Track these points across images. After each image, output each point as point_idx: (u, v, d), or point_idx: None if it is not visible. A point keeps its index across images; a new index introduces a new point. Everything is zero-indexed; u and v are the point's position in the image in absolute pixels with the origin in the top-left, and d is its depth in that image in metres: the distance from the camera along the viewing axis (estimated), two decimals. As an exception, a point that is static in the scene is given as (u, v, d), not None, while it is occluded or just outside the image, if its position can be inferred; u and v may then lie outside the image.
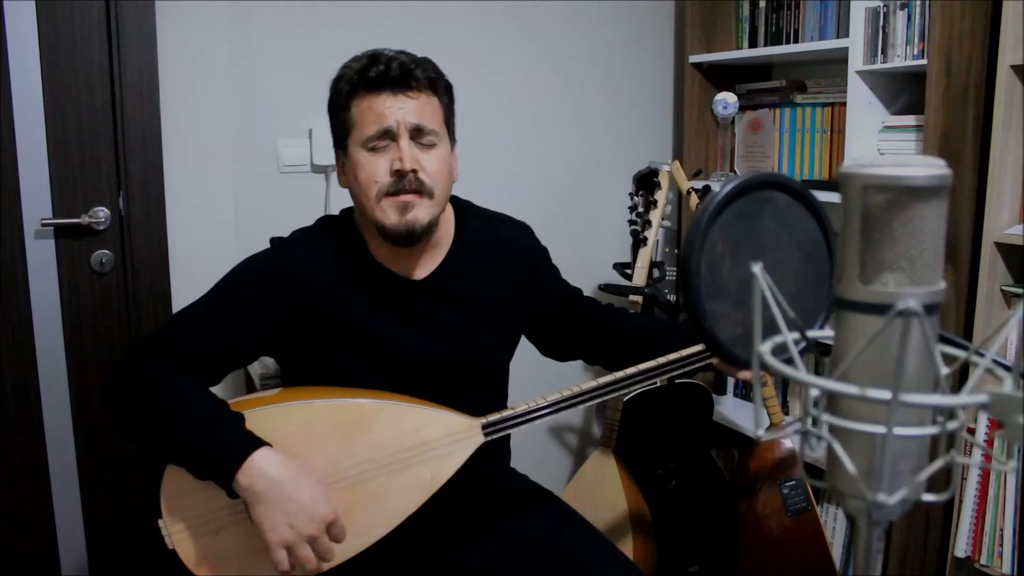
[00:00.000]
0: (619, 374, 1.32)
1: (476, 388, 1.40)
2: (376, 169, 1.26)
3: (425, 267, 1.37)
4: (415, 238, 1.29)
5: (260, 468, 1.14)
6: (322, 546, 1.16)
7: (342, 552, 1.23)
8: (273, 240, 1.37)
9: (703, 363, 1.35)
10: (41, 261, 1.87)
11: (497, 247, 1.45)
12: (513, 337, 1.50)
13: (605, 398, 1.32)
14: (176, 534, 1.23)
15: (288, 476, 1.15)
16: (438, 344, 1.37)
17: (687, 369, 1.34)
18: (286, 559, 1.15)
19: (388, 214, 1.27)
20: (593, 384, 1.31)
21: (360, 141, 1.27)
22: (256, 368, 1.98)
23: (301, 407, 1.26)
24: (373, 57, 1.29)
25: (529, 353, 1.59)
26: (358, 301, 1.33)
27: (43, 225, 1.86)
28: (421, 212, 1.27)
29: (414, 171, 1.26)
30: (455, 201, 1.44)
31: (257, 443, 1.16)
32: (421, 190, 1.27)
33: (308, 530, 1.15)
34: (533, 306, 1.48)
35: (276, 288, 1.30)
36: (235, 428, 1.19)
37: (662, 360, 1.34)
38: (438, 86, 1.32)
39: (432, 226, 1.30)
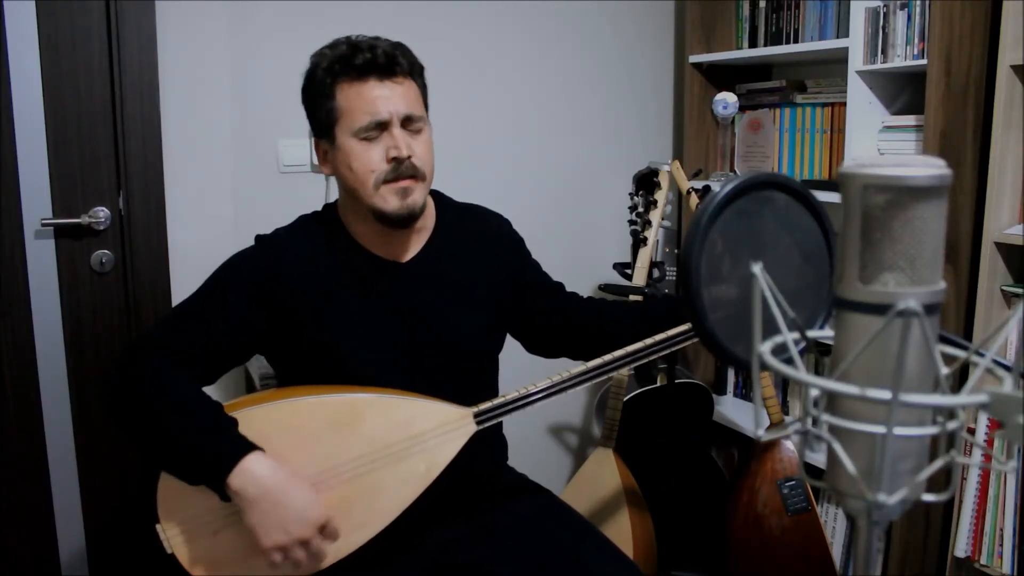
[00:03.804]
0: (607, 357, 1.33)
1: (467, 374, 1.42)
2: (371, 158, 1.30)
3: (410, 251, 1.41)
4: (413, 220, 1.35)
5: (252, 473, 1.15)
6: (315, 547, 1.19)
7: (341, 548, 1.24)
8: (258, 236, 1.40)
9: (688, 341, 1.35)
10: (41, 261, 1.87)
11: (478, 235, 1.48)
12: (499, 324, 1.51)
13: (595, 380, 1.32)
14: (174, 538, 1.23)
15: (279, 482, 1.16)
16: (428, 327, 1.39)
17: (673, 348, 1.34)
18: (280, 558, 1.18)
19: (388, 200, 1.31)
20: (581, 369, 1.32)
21: (351, 131, 1.31)
22: (256, 368, 1.98)
23: (292, 405, 1.26)
24: (354, 44, 1.32)
25: (521, 348, 1.59)
26: (347, 287, 1.36)
27: (43, 225, 1.86)
28: (418, 195, 1.33)
29: (409, 158, 1.30)
30: (434, 193, 1.48)
31: (249, 447, 1.17)
32: (416, 175, 1.32)
33: (301, 534, 1.16)
34: (517, 294, 1.50)
35: (266, 281, 1.33)
36: (229, 432, 1.19)
37: (648, 341, 1.34)
38: (416, 71, 1.37)
39: (424, 206, 1.37)
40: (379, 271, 1.38)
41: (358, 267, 1.37)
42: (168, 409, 1.21)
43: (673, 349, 1.35)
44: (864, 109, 2.00)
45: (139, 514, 1.99)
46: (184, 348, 1.28)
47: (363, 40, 1.33)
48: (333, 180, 1.39)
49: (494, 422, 1.31)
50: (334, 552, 1.25)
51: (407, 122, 1.32)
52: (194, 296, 1.34)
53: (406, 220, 1.33)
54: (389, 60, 1.31)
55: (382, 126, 1.30)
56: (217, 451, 1.16)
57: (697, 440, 2.17)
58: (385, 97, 1.30)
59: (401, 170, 1.30)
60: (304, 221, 1.43)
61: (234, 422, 1.21)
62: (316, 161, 1.42)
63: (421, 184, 1.33)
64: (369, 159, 1.30)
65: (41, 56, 1.82)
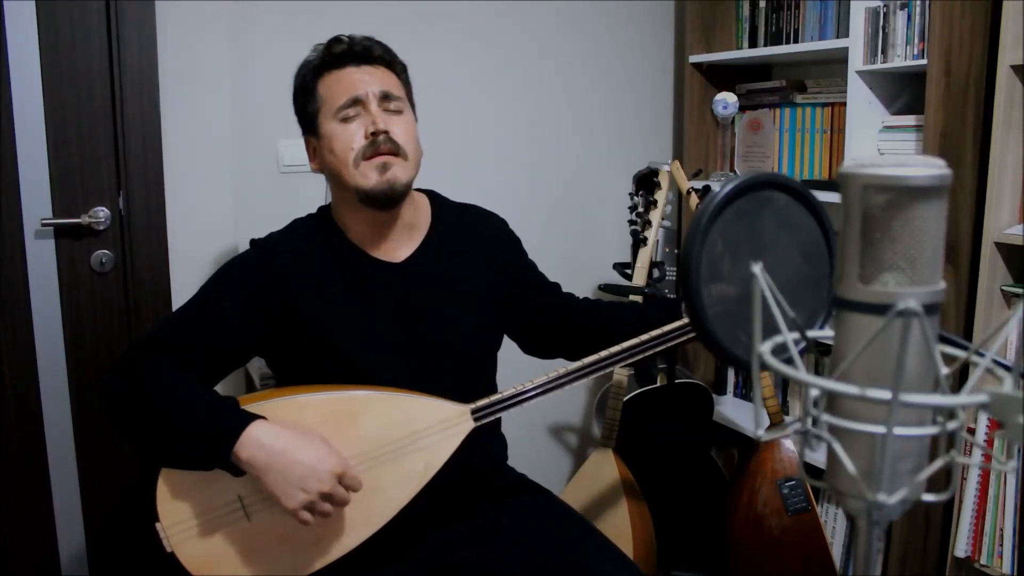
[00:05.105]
0: (603, 353, 1.33)
1: (465, 372, 1.42)
2: (350, 136, 1.33)
3: (405, 250, 1.42)
4: (397, 197, 1.34)
5: (258, 440, 1.17)
6: (338, 497, 1.19)
7: (341, 546, 1.24)
8: (253, 240, 1.41)
9: (685, 337, 1.35)
10: (41, 261, 1.87)
11: (475, 234, 1.49)
12: (497, 323, 1.51)
13: (592, 375, 1.32)
14: (174, 537, 1.23)
15: (287, 442, 1.18)
16: (425, 326, 1.39)
17: (670, 344, 1.34)
18: (309, 516, 1.18)
19: (368, 176, 1.32)
20: (578, 364, 1.32)
21: (331, 113, 1.34)
22: (256, 368, 1.98)
23: (290, 403, 1.27)
24: (333, 39, 1.39)
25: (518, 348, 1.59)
26: (343, 287, 1.36)
27: (43, 225, 1.86)
28: (399, 171, 1.33)
29: (386, 132, 1.32)
30: (430, 193, 1.50)
31: (251, 417, 1.19)
32: (396, 151, 1.33)
33: (320, 488, 1.17)
34: (516, 294, 1.51)
35: (263, 283, 1.34)
36: (229, 408, 1.21)
37: (644, 337, 1.34)
38: (395, 63, 1.41)
39: (409, 188, 1.37)
40: (375, 271, 1.39)
41: (354, 267, 1.38)
42: (169, 400, 1.22)
43: (670, 345, 1.34)
44: (864, 109, 2.00)
45: (139, 513, 1.99)
46: (184, 349, 1.29)
47: (340, 36, 1.39)
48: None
49: (492, 418, 1.31)
50: (333, 551, 1.25)
51: (385, 100, 1.35)
52: (192, 300, 1.36)
53: (388, 197, 1.33)
54: (365, 48, 1.37)
55: (358, 102, 1.33)
56: (220, 426, 1.18)
57: (697, 440, 2.17)
58: (363, 80, 1.35)
59: (378, 143, 1.32)
60: (298, 223, 1.44)
61: (234, 400, 1.23)
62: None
63: (402, 162, 1.34)
64: (348, 137, 1.33)
65: (41, 56, 1.82)
